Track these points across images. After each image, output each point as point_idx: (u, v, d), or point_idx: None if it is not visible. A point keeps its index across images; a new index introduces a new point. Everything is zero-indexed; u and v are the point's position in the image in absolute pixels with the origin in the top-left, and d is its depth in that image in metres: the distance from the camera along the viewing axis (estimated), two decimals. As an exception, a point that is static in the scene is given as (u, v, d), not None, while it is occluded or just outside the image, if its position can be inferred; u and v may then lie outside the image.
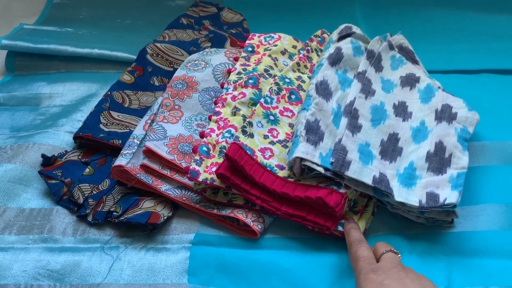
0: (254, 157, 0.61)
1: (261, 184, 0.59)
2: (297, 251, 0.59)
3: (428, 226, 0.60)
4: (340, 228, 0.57)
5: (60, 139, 0.73)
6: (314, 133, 0.61)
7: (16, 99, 0.83)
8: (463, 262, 0.56)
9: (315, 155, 0.59)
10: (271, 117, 0.66)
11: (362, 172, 0.58)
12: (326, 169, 0.58)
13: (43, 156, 0.69)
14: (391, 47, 0.74)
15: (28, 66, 0.91)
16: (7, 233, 0.61)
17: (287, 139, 0.65)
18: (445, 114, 0.65)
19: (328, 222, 0.57)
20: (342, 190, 0.57)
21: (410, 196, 0.58)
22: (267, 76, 0.71)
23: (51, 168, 0.67)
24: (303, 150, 0.58)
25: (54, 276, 0.57)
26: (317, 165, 0.58)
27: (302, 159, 0.58)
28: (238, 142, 0.61)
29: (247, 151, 0.60)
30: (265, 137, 0.64)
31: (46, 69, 0.90)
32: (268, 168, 0.60)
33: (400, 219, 0.60)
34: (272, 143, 0.64)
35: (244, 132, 0.63)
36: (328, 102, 0.65)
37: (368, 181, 0.57)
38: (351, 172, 0.57)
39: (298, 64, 0.74)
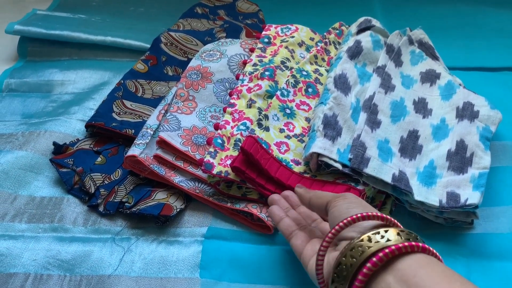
0: (270, 151, 0.59)
1: (277, 179, 0.57)
2: (311, 248, 0.57)
3: (446, 227, 0.58)
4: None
5: (71, 127, 0.72)
6: (332, 128, 0.59)
7: (28, 85, 0.82)
8: (483, 264, 0.55)
9: (333, 151, 0.57)
10: (287, 111, 0.65)
11: (382, 169, 0.56)
12: (344, 165, 0.56)
13: (54, 143, 0.68)
14: (410, 41, 0.72)
15: (41, 52, 0.90)
16: (18, 221, 0.60)
17: (304, 134, 0.63)
18: (466, 112, 0.63)
19: (344, 220, 0.55)
20: (360, 187, 0.56)
21: (430, 195, 0.56)
22: (283, 68, 0.69)
23: (63, 156, 0.66)
24: (320, 145, 0.57)
25: (64, 266, 0.56)
26: (335, 161, 0.57)
27: (319, 155, 0.57)
28: (253, 135, 0.59)
29: (263, 145, 0.59)
30: (281, 130, 0.63)
31: (58, 55, 0.89)
32: (284, 163, 0.59)
33: (418, 218, 0.59)
34: (288, 137, 0.62)
35: (259, 125, 0.62)
36: (347, 96, 0.63)
37: (388, 179, 0.56)
38: (370, 169, 0.56)
39: (315, 56, 0.72)
